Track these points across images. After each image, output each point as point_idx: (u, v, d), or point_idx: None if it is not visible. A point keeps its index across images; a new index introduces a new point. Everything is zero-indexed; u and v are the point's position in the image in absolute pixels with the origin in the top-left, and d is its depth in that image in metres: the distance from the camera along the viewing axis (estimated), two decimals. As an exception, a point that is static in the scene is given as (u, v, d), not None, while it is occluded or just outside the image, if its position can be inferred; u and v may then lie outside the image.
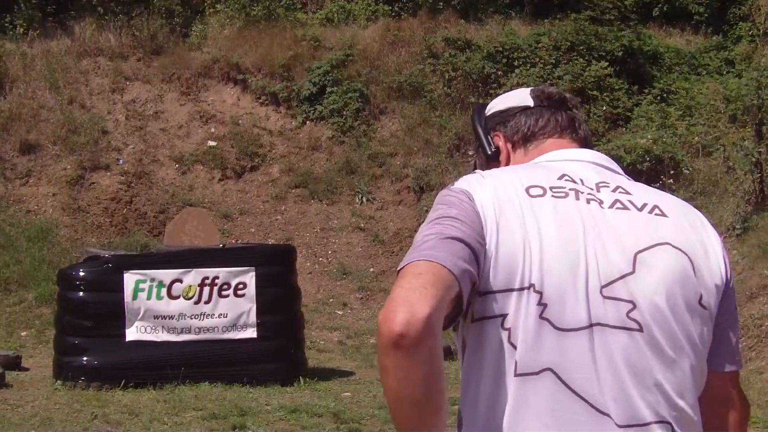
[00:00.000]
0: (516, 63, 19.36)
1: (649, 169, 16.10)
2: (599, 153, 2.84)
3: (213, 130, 19.65)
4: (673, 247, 2.56)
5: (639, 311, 2.48)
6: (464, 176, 2.74)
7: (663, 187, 2.35)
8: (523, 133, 2.92)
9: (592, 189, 2.65)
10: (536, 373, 2.45)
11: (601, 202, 2.61)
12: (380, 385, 8.71)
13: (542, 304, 2.47)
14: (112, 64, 20.45)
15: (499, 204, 2.56)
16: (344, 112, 19.54)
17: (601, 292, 2.48)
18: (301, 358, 12.58)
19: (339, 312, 16.16)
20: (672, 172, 16.29)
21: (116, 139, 19.18)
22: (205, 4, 22.21)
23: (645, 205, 2.64)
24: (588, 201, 2.60)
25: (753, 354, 12.31)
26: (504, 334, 2.48)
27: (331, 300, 16.65)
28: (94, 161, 18.52)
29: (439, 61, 19.98)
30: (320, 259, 17.50)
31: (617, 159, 3.04)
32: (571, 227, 2.54)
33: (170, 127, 19.58)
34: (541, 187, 2.62)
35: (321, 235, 17.96)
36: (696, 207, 2.75)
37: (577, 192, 2.62)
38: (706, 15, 21.73)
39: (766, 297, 13.41)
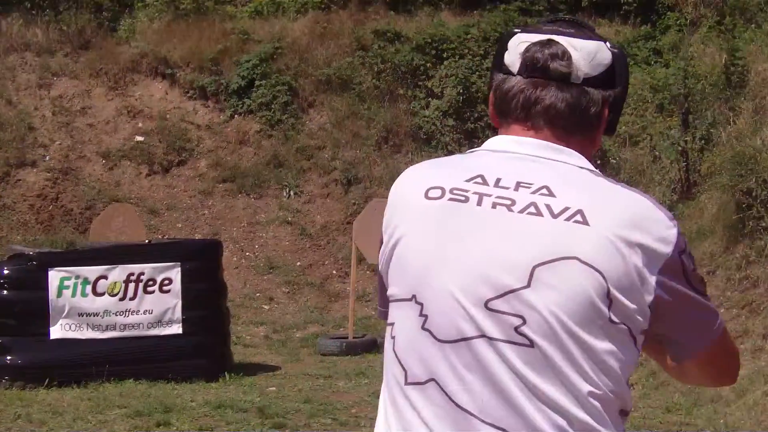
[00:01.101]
0: (445, 55, 19.36)
1: (576, 159, 16.20)
2: (549, 143, 2.52)
3: (140, 125, 19.52)
4: (582, 262, 2.35)
5: (529, 327, 2.35)
6: None
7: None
8: (497, 107, 2.64)
9: (507, 189, 2.44)
10: (423, 383, 2.42)
11: (511, 205, 2.42)
12: (305, 379, 8.79)
13: (423, 315, 2.42)
14: (39, 60, 20.25)
15: (396, 208, 2.54)
16: (272, 106, 19.47)
17: (486, 305, 2.37)
18: (227, 354, 12.58)
19: (265, 306, 16.18)
20: (599, 161, 16.43)
21: (43, 135, 19.01)
22: (134, -2, 22.07)
23: (565, 210, 2.40)
24: (494, 205, 2.43)
25: (679, 341, 12.47)
26: (391, 343, 2.49)
27: (257, 294, 16.64)
28: (20, 158, 18.35)
29: (368, 53, 19.96)
30: (247, 253, 17.48)
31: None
32: (461, 235, 2.43)
33: (97, 123, 19.42)
34: (441, 189, 2.49)
35: (248, 229, 17.92)
36: None
37: (481, 196, 2.44)
38: (635, 5, 21.84)
39: (691, 284, 13.58)
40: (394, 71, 19.49)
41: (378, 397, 2.53)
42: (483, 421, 2.36)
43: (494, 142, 2.58)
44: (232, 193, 18.51)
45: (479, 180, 2.47)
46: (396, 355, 2.47)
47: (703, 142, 15.53)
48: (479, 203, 2.43)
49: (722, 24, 17.70)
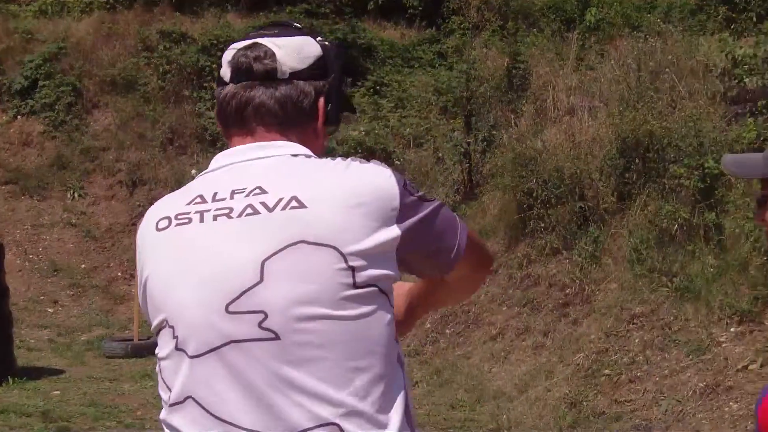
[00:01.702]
0: (231, 56, 19.37)
1: (361, 161, 16.35)
2: (256, 143, 2.59)
3: None
4: (309, 243, 2.38)
5: (272, 319, 2.37)
6: None
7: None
8: (220, 119, 2.71)
9: (224, 199, 2.50)
10: (182, 402, 2.47)
11: (230, 213, 2.47)
12: (90, 382, 8.73)
13: (176, 337, 2.47)
14: None
15: (140, 249, 2.61)
16: (56, 107, 19.21)
17: (227, 309, 2.40)
18: (10, 358, 12.41)
19: (50, 310, 15.98)
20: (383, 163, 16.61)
21: None
22: None
23: (279, 201, 2.44)
24: (215, 218, 2.48)
25: (461, 339, 12.77)
26: (160, 372, 2.56)
27: (41, 297, 16.37)
28: None
29: (153, 54, 19.86)
30: (31, 256, 17.19)
31: (330, 151, 2.90)
32: (190, 254, 2.48)
33: None
34: (168, 218, 2.56)
35: (32, 231, 17.62)
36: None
37: (202, 213, 2.51)
38: (420, 9, 22.14)
39: (474, 284, 13.88)
40: (179, 72, 19.43)
41: None
42: (242, 428, 2.39)
43: (213, 161, 2.65)
44: (15, 195, 18.15)
45: (198, 200, 2.53)
46: (163, 381, 2.53)
47: (485, 143, 15.68)
48: (201, 220, 2.49)
49: (505, 28, 18.01)
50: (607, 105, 14.49)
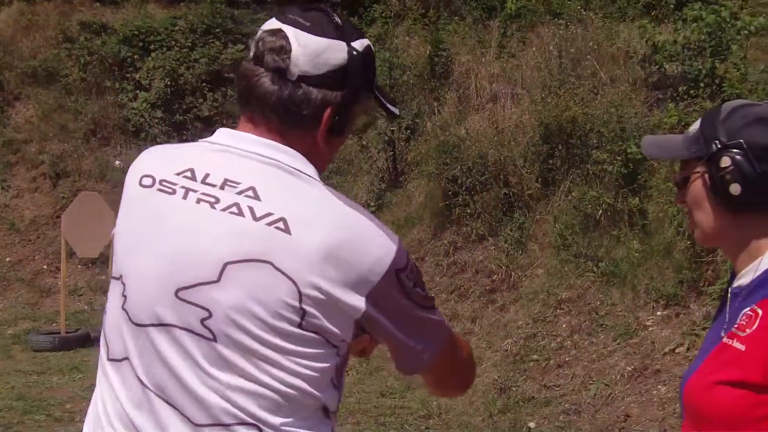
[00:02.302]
0: (152, 47, 19.18)
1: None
2: (265, 140, 2.52)
3: None
4: (275, 268, 2.35)
5: (214, 321, 2.38)
6: None
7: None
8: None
9: (214, 186, 2.46)
10: (120, 360, 2.50)
11: (214, 203, 2.44)
12: (18, 375, 8.74)
13: (124, 296, 2.50)
14: None
15: (123, 195, 2.61)
16: (-23, 99, 19.03)
17: (176, 293, 2.41)
18: (-65, 354, 12.32)
19: (-25, 303, 15.86)
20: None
21: None
22: None
23: (268, 215, 2.39)
24: (198, 201, 2.45)
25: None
26: (104, 318, 2.61)
27: (-33, 292, 16.25)
28: None
29: (74, 45, 19.64)
30: (-47, 250, 17.04)
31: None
32: (163, 226, 2.47)
33: None
34: (152, 178, 2.54)
35: (-45, 225, 17.48)
36: (331, 186, 2.49)
37: (188, 191, 2.48)
38: (342, -3, 22.12)
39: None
40: (101, 63, 19.22)
41: (92, 391, 2.63)
42: (164, 400, 2.43)
43: (217, 135, 2.59)
44: (-63, 189, 17.97)
45: (188, 174, 2.50)
46: (104, 329, 2.57)
47: (409, 131, 15.79)
48: (185, 197, 2.47)
49: (427, 16, 18.07)
50: (530, 92, 14.60)
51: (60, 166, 18.11)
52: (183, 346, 2.42)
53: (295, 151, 2.51)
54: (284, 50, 2.49)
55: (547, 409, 10.12)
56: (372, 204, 15.53)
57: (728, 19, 12.31)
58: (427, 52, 16.57)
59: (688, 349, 9.87)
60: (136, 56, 19.20)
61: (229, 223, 2.40)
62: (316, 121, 2.53)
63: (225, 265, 2.38)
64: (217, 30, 19.49)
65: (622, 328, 10.69)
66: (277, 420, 2.42)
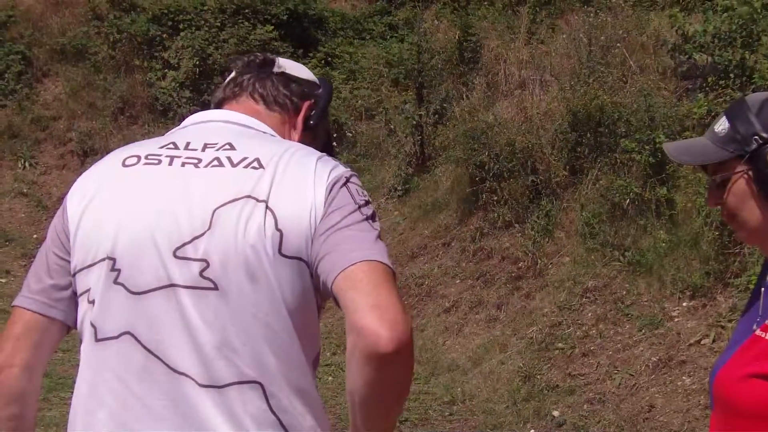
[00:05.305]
0: (181, 26, 19.16)
1: (312, 133, 16.32)
2: (234, 113, 2.86)
3: None
4: (255, 199, 2.54)
5: (212, 269, 2.49)
6: None
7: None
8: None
9: (195, 150, 2.68)
10: (116, 337, 2.54)
11: (198, 163, 2.63)
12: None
13: (116, 270, 2.56)
14: None
15: (96, 186, 2.67)
16: (6, 75, 19.00)
17: (174, 253, 2.52)
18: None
19: (2, 280, 15.80)
20: (335, 135, 16.66)
21: None
22: None
23: (243, 159, 2.61)
24: (183, 164, 2.64)
25: (414, 312, 12.75)
26: (87, 308, 2.63)
27: (-6, 268, 16.29)
28: None
29: (103, 23, 19.66)
30: (-19, 226, 17.10)
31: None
32: (153, 193, 2.59)
33: None
34: (137, 156, 2.69)
35: (-18, 201, 17.55)
36: (358, 169, 2.74)
37: (172, 158, 2.66)
38: (370, -21, 22.02)
39: (426, 257, 13.91)
40: (130, 41, 19.26)
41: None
42: (167, 365, 2.50)
43: (188, 119, 2.91)
44: (-36, 166, 18.06)
45: (171, 146, 2.72)
46: (84, 319, 2.63)
47: (437, 116, 15.73)
48: (170, 164, 2.65)
49: (456, 1, 18.08)
50: (558, 79, 14.56)
51: (88, 143, 18.18)
52: (186, 306, 2.51)
53: (267, 126, 2.85)
54: (271, 58, 3.02)
55: (571, 398, 10.12)
56: (399, 188, 15.54)
57: (760, 10, 12.23)
58: (456, 37, 16.52)
59: (713, 340, 9.85)
60: (165, 35, 19.19)
61: (212, 176, 2.60)
62: (295, 108, 2.94)
63: (213, 212, 2.54)
64: (246, 10, 19.42)
65: (647, 318, 10.67)
66: (283, 364, 2.52)
